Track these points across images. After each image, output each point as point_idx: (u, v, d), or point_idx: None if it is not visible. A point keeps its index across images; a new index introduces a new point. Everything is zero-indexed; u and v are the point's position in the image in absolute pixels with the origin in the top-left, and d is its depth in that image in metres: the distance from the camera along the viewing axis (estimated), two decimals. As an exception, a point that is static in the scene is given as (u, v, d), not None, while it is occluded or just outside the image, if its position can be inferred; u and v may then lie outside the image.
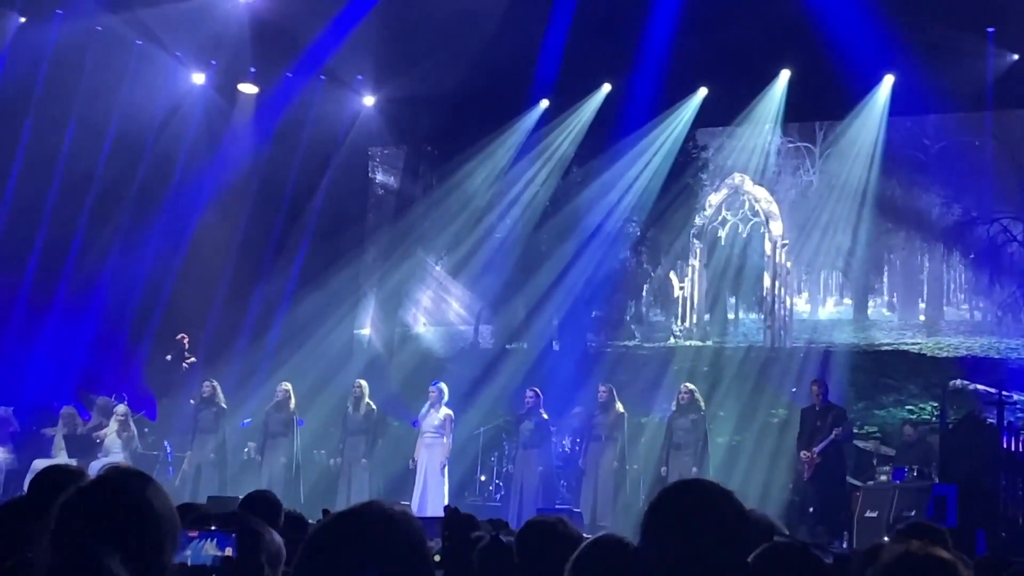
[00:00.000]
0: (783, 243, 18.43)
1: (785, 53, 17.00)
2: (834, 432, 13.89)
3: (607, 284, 18.91)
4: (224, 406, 16.04)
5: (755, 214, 18.73)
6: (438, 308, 20.65)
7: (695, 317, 19.00)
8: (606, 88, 18.63)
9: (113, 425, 15.76)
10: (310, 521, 5.67)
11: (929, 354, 17.49)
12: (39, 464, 13.14)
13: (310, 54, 17.59)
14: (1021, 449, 12.92)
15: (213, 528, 3.27)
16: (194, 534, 3.23)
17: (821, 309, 18.48)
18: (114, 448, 15.55)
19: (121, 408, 15.91)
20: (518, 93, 18.33)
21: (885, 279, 18.21)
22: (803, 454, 14.11)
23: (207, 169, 18.64)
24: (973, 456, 12.55)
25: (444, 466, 15.34)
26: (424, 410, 15.46)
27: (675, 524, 3.00)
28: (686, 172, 18.84)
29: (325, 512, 2.88)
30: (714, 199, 19.01)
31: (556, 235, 18.94)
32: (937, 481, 12.80)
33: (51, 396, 16.74)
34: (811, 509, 14.03)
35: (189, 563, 3.18)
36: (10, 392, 16.52)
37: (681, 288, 19.14)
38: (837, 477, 13.83)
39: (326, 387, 17.74)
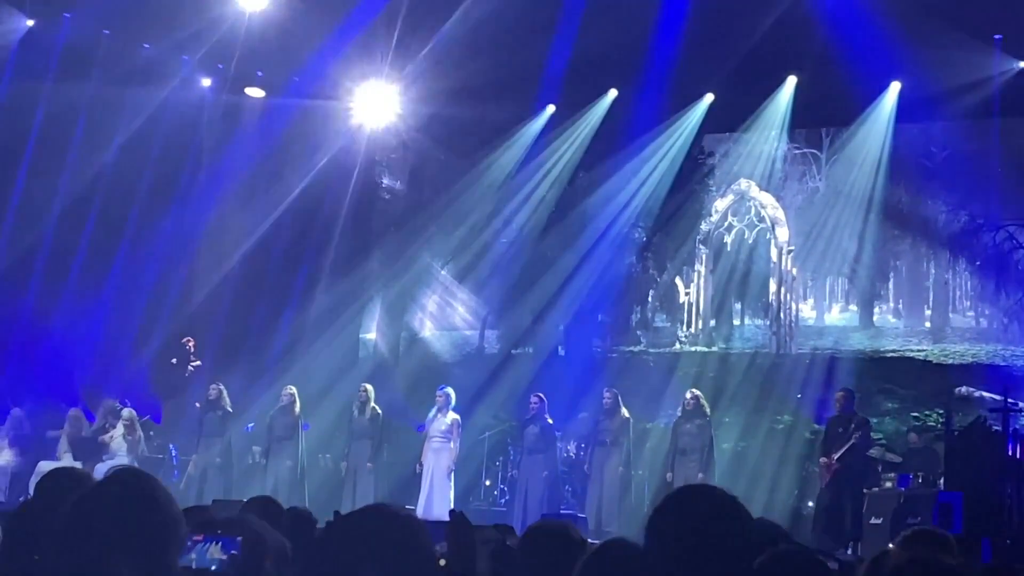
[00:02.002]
0: (789, 249, 18.43)
1: (792, 59, 16.99)
2: (853, 437, 13.83)
3: (613, 289, 18.90)
4: (230, 409, 16.03)
5: (761, 220, 18.73)
6: (444, 313, 20.65)
7: (701, 323, 19.00)
8: (613, 94, 18.62)
9: (119, 428, 15.76)
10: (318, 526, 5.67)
11: (935, 361, 17.47)
12: (44, 466, 13.13)
13: (318, 58, 17.59)
14: (1027, 456, 12.88)
15: (218, 532, 3.28)
16: (199, 538, 3.23)
17: (827, 315, 18.48)
18: (120, 451, 15.54)
19: (127, 411, 15.92)
20: (525, 98, 18.32)
21: (891, 286, 18.21)
22: (822, 460, 14.09)
23: (214, 173, 18.66)
24: (979, 463, 12.49)
25: (451, 471, 15.27)
26: (432, 414, 15.42)
27: (680, 529, 3.00)
28: (692, 178, 18.85)
29: (336, 514, 2.89)
30: (720, 205, 19.01)
31: (562, 240, 18.93)
32: (942, 488, 12.77)
33: (57, 398, 16.74)
34: (820, 516, 13.98)
35: (194, 566, 3.18)
36: (16, 394, 16.53)
37: (687, 294, 19.14)
38: (852, 485, 13.75)
39: (331, 391, 17.70)
